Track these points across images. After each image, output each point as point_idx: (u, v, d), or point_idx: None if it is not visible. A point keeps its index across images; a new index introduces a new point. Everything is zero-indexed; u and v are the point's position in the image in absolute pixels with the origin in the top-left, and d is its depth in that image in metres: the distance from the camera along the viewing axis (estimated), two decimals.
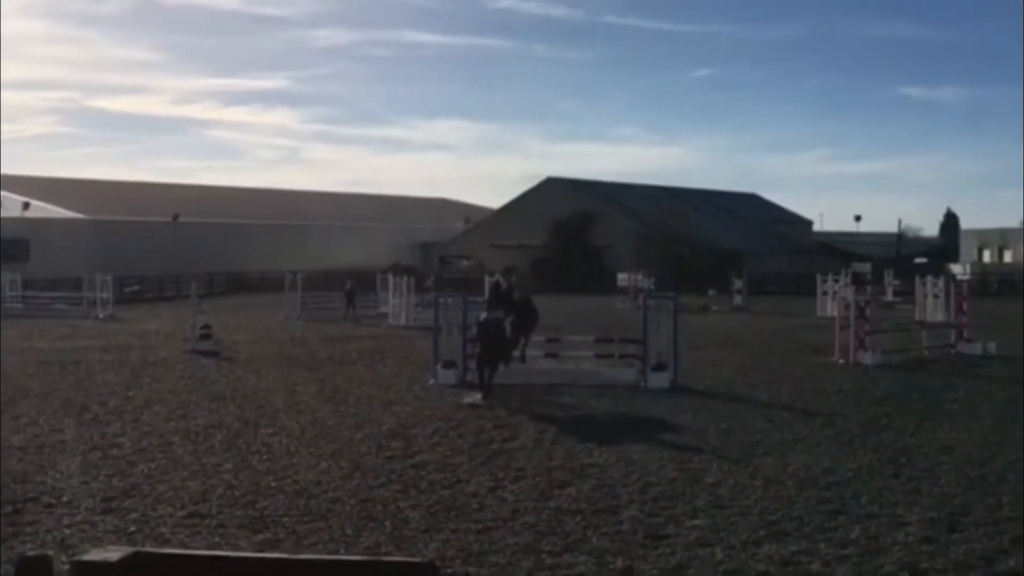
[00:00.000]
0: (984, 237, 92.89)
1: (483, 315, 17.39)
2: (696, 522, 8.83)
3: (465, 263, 64.32)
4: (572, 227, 65.24)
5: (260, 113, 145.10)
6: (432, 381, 17.52)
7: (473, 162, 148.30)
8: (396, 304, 33.27)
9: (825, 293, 36.47)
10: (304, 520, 8.86)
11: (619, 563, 7.69)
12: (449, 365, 17.71)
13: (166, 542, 8.17)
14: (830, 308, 31.14)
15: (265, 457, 11.47)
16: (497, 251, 64.17)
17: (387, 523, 8.79)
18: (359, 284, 37.63)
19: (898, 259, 76.28)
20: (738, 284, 42.04)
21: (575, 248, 63.60)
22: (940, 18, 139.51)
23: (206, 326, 24.16)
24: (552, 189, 69.07)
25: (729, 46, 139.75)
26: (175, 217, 61.99)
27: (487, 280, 37.35)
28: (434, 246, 72.85)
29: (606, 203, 68.88)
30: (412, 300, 33.38)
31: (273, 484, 10.15)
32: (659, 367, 17.45)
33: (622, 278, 46.60)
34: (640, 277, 43.59)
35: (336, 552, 7.85)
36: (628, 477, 10.48)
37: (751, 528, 8.63)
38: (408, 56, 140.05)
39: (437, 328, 18.27)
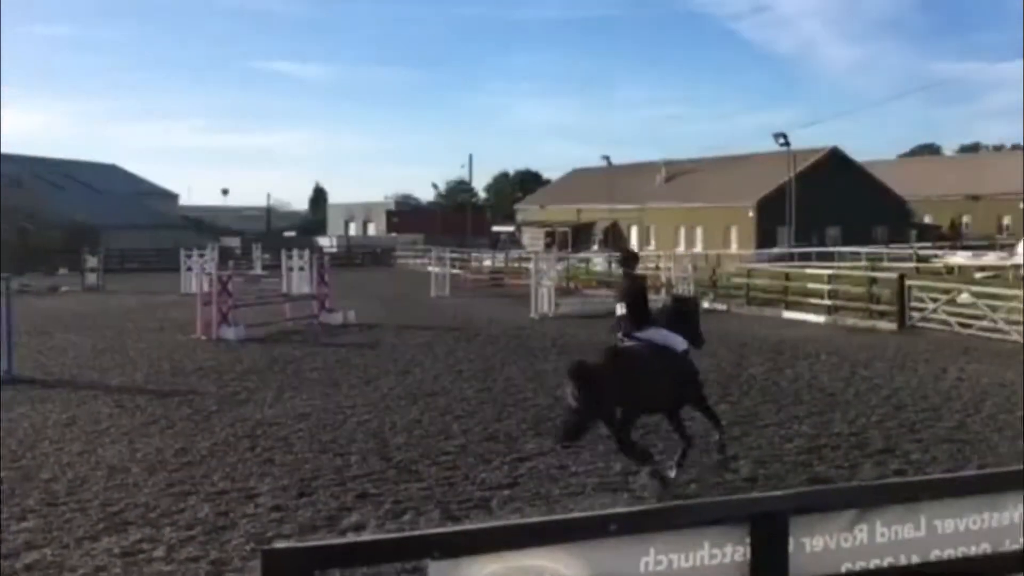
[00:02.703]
0: (351, 211, 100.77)
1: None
2: (25, 524, 8.21)
3: None
4: None
5: None
6: None
7: None
8: None
9: (190, 269, 36.57)
10: None
11: None
12: None
13: None
14: (195, 284, 31.26)
15: None
16: None
17: None
18: None
19: (268, 233, 79.39)
20: (92, 262, 40.52)
21: None
22: None
23: None
24: None
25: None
26: None
27: None
28: None
29: None
30: None
31: None
32: None
33: None
34: None
35: None
36: None
37: (89, 523, 8.26)
38: None
39: None
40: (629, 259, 10.14)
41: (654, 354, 9.07)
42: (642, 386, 8.84)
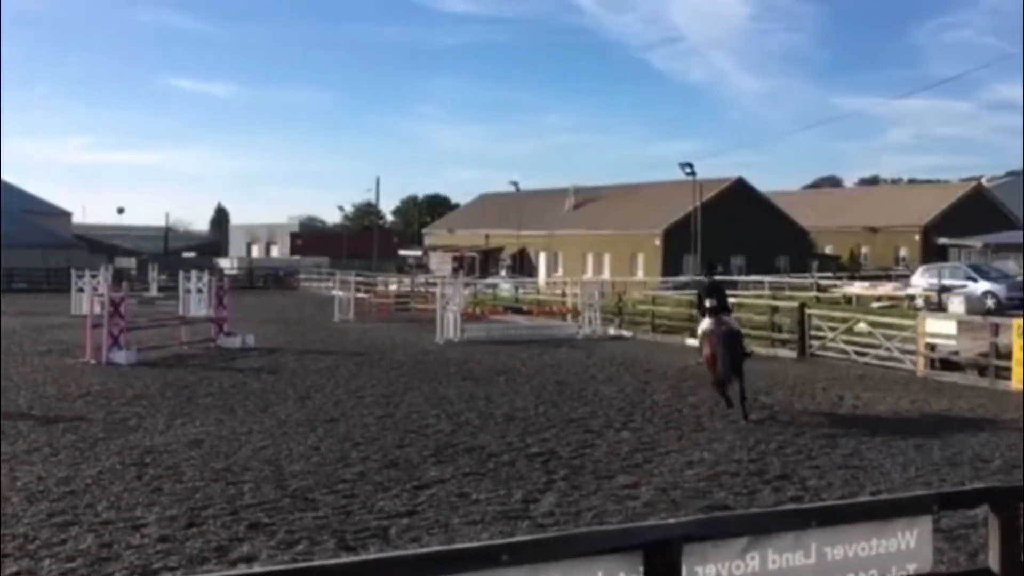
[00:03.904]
0: (253, 232, 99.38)
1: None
2: None
3: None
4: None
5: None
6: None
7: None
8: None
9: (81, 290, 35.68)
10: None
11: None
12: None
13: None
14: (86, 305, 30.46)
15: None
16: None
17: None
18: None
19: (166, 253, 77.84)
20: None
21: None
22: (217, 13, 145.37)
23: None
24: None
25: None
26: None
27: None
28: None
29: None
30: None
31: None
32: None
33: None
34: None
35: None
36: None
37: None
38: None
39: None
40: (712, 268, 17.49)
41: (734, 330, 14.76)
42: (738, 353, 14.62)
